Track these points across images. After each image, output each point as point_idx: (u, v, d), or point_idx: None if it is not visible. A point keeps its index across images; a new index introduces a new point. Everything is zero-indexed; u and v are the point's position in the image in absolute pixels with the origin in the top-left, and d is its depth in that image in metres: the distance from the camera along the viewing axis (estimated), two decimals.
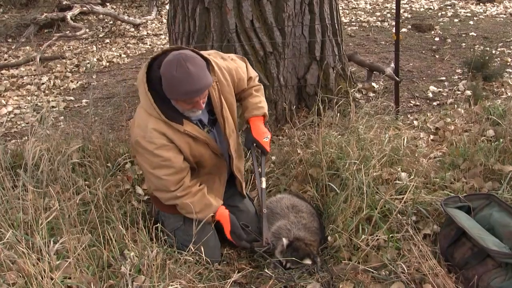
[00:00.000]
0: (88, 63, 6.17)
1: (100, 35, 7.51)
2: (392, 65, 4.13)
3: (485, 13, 7.18)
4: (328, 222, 2.52)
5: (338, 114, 3.26)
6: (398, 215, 2.34)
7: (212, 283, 2.12)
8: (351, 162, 2.59)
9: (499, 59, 5.17)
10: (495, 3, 7.62)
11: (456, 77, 4.82)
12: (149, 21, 7.98)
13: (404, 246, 2.20)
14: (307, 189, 2.79)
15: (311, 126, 3.44)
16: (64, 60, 6.32)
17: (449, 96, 4.33)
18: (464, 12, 7.25)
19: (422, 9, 7.64)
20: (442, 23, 6.72)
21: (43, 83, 5.54)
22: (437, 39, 6.07)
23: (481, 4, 7.64)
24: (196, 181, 2.33)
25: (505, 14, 7.05)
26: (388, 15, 7.40)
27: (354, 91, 3.26)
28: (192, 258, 2.17)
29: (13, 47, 7.02)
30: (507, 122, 3.05)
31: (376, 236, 2.24)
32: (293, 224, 2.42)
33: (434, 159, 2.93)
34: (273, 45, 3.62)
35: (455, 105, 3.88)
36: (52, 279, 1.84)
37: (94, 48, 6.86)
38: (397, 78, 3.91)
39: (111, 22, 7.99)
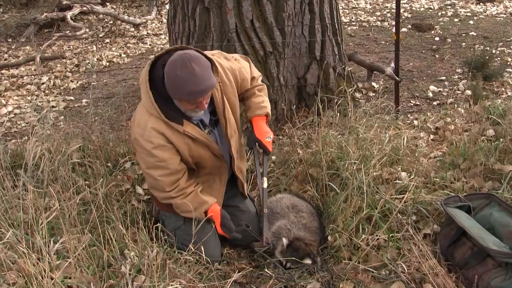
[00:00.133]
0: (88, 63, 6.17)
1: (100, 35, 7.51)
2: (392, 64, 4.12)
3: (485, 12, 7.18)
4: (328, 222, 2.52)
5: (338, 113, 3.26)
6: (398, 214, 2.34)
7: (212, 282, 2.12)
8: (351, 162, 2.59)
9: (499, 58, 5.17)
10: (495, 3, 7.61)
11: (456, 76, 4.82)
12: (149, 21, 7.98)
13: (404, 246, 2.20)
14: (307, 189, 2.79)
15: (311, 125, 3.44)
16: (64, 60, 6.32)
17: (449, 95, 4.33)
18: (464, 12, 7.25)
19: (422, 9, 7.64)
20: (442, 23, 6.72)
21: (43, 83, 5.54)
22: (437, 38, 6.06)
23: (481, 3, 7.64)
24: (193, 181, 2.33)
25: (505, 14, 7.04)
26: (388, 14, 7.40)
27: (351, 90, 3.25)
28: (192, 257, 2.16)
29: (13, 47, 7.02)
30: (507, 122, 3.05)
31: (376, 235, 2.24)
32: (293, 224, 2.42)
33: (434, 159, 2.93)
34: (273, 45, 3.62)
35: (455, 105, 3.88)
36: (52, 279, 1.84)
37: (94, 48, 6.86)
38: (397, 78, 3.91)
39: (111, 22, 7.99)
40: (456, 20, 6.84)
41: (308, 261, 2.23)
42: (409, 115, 3.92)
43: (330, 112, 3.34)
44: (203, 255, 2.16)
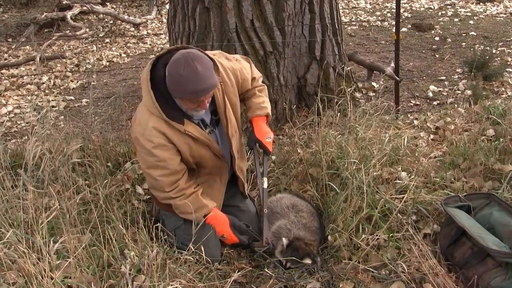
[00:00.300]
0: (88, 62, 6.17)
1: (100, 35, 7.51)
2: (392, 64, 4.12)
3: (485, 12, 7.18)
4: (328, 222, 2.52)
5: (338, 113, 3.26)
6: (398, 214, 2.34)
7: (212, 282, 2.12)
8: (351, 162, 2.59)
9: (499, 58, 5.16)
10: (495, 3, 7.61)
11: (456, 76, 4.82)
12: (149, 21, 7.98)
13: (404, 246, 2.20)
14: (307, 189, 2.79)
15: (311, 125, 3.44)
16: (64, 60, 6.32)
17: (449, 95, 4.33)
18: (464, 12, 7.25)
19: (422, 9, 7.64)
20: (442, 23, 6.72)
21: (43, 83, 5.54)
22: (437, 38, 6.06)
23: (481, 3, 7.64)
24: (193, 182, 2.33)
25: (505, 14, 7.04)
26: (388, 14, 7.40)
27: (350, 90, 3.25)
28: (192, 257, 2.16)
29: (13, 47, 7.02)
30: (507, 122, 3.05)
31: (376, 235, 2.24)
32: (293, 223, 2.41)
33: (434, 159, 2.93)
34: (273, 45, 3.62)
35: (455, 105, 3.88)
36: (52, 278, 1.84)
37: (94, 48, 6.86)
38: (397, 78, 3.91)
39: (111, 21, 7.99)
40: (456, 20, 6.84)
41: (308, 261, 2.23)
42: (409, 115, 3.92)
43: (330, 112, 3.34)
44: (203, 254, 2.16)
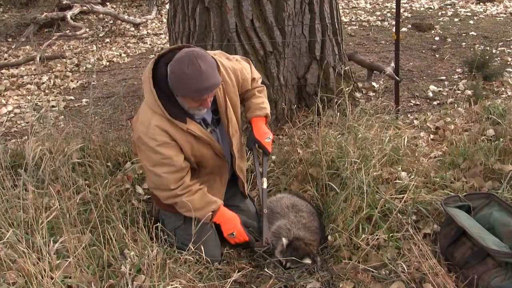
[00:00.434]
0: (88, 62, 6.17)
1: (100, 35, 7.51)
2: (392, 64, 4.12)
3: (485, 12, 7.18)
4: (328, 222, 2.52)
5: (338, 113, 3.26)
6: (398, 214, 2.34)
7: (212, 282, 2.12)
8: (351, 162, 2.59)
9: (499, 58, 5.17)
10: (495, 3, 7.61)
11: (456, 76, 4.82)
12: (149, 21, 7.98)
13: (404, 246, 2.20)
14: (307, 189, 2.79)
15: (311, 125, 3.44)
16: (64, 60, 6.32)
17: (449, 95, 4.33)
18: (464, 12, 7.25)
19: (422, 9, 7.64)
20: (442, 23, 6.71)
21: (43, 83, 5.54)
22: (437, 38, 6.06)
23: (481, 3, 7.64)
24: (197, 181, 2.33)
25: (505, 14, 7.04)
26: (388, 14, 7.40)
27: (349, 89, 3.25)
28: (192, 257, 2.16)
29: (13, 47, 7.01)
30: (507, 122, 3.05)
31: (376, 235, 2.24)
32: (293, 223, 2.41)
33: (434, 159, 2.93)
34: (273, 45, 3.62)
35: (455, 105, 3.88)
36: (52, 278, 1.84)
37: (94, 48, 6.86)
38: (397, 78, 3.91)
39: (111, 21, 7.99)
40: (456, 20, 6.84)
41: (308, 261, 2.23)
42: (409, 115, 3.92)
43: (330, 112, 3.34)
44: (203, 254, 2.16)
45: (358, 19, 7.32)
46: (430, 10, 7.53)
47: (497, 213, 2.18)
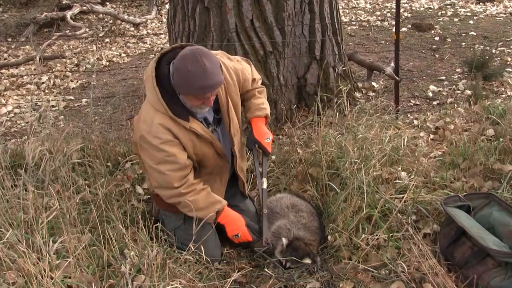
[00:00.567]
0: (88, 62, 6.17)
1: (100, 35, 7.51)
2: (392, 64, 4.12)
3: (485, 12, 7.18)
4: (328, 222, 2.52)
5: (338, 113, 3.26)
6: (398, 214, 2.34)
7: (212, 282, 2.12)
8: (351, 162, 2.60)
9: (499, 58, 5.17)
10: (495, 3, 7.62)
11: (456, 76, 4.82)
12: (149, 21, 7.98)
13: (404, 246, 2.20)
14: (307, 189, 2.79)
15: (311, 125, 3.44)
16: (64, 60, 6.32)
17: (449, 95, 4.33)
18: (464, 12, 7.25)
19: (422, 9, 7.64)
20: (442, 23, 6.72)
21: (43, 83, 5.54)
22: (437, 38, 6.06)
23: (481, 3, 7.64)
24: (199, 180, 2.33)
25: (505, 14, 7.05)
26: (388, 14, 7.40)
27: (346, 89, 3.25)
28: (192, 257, 2.16)
29: (13, 47, 7.01)
30: (507, 122, 3.05)
31: (376, 235, 2.24)
32: (293, 223, 2.42)
33: (434, 159, 2.93)
34: (273, 45, 3.62)
35: (455, 105, 3.88)
36: (52, 278, 1.84)
37: (94, 48, 6.86)
38: (397, 78, 3.91)
39: (111, 21, 7.98)
40: (456, 20, 6.84)
41: (307, 261, 2.23)
42: (409, 115, 3.92)
43: (330, 112, 3.34)
44: (203, 254, 2.16)
45: (358, 19, 7.32)
46: (430, 10, 7.54)
47: (497, 213, 2.18)
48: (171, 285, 1.91)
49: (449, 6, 7.63)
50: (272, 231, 2.42)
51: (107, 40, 7.19)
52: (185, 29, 3.72)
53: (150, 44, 6.94)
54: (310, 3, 3.69)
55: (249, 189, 2.88)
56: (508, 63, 5.08)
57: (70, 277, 1.94)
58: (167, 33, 4.35)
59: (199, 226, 2.13)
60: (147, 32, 7.49)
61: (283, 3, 3.55)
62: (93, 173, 2.84)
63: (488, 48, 5.46)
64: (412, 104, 4.31)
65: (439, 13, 7.27)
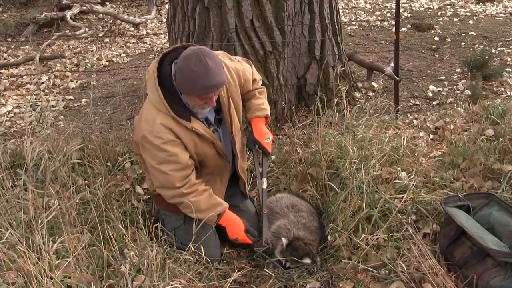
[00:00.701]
0: (88, 62, 6.17)
1: (100, 34, 7.50)
2: (392, 64, 4.12)
3: (484, 12, 7.18)
4: (328, 221, 2.52)
5: (338, 113, 3.26)
6: (398, 214, 2.34)
7: (212, 282, 2.12)
8: (351, 162, 2.60)
9: (498, 58, 5.17)
10: (494, 3, 7.62)
11: (456, 76, 4.82)
12: (148, 21, 7.97)
13: (404, 245, 2.20)
14: (307, 189, 2.79)
15: (310, 125, 3.44)
16: (63, 60, 6.32)
17: (449, 95, 4.33)
18: (464, 12, 7.26)
19: (421, 9, 7.64)
20: (441, 23, 6.72)
21: (42, 83, 5.54)
22: (436, 38, 6.06)
23: (480, 3, 7.64)
24: (201, 181, 2.33)
25: (504, 14, 7.05)
26: (388, 14, 7.40)
27: (345, 88, 3.25)
28: (192, 257, 2.16)
29: (12, 46, 7.01)
30: (507, 122, 3.05)
31: (376, 235, 2.24)
32: (293, 223, 2.42)
33: (434, 159, 2.93)
34: (273, 45, 3.62)
35: (455, 105, 3.88)
36: (51, 278, 1.84)
37: (94, 48, 6.86)
38: (396, 78, 3.91)
39: (111, 21, 7.98)
40: (455, 20, 6.84)
41: (307, 261, 2.23)
42: (408, 115, 3.93)
43: (330, 112, 3.34)
44: (203, 254, 2.16)
45: (358, 19, 7.32)
46: (429, 10, 7.54)
47: (497, 213, 2.18)
48: (171, 285, 1.91)
49: (449, 6, 7.63)
50: (272, 231, 2.42)
51: (107, 40, 7.19)
52: (185, 29, 3.72)
53: (150, 44, 6.94)
54: (310, 3, 3.69)
55: (249, 189, 2.88)
56: (508, 63, 5.08)
57: (69, 277, 1.94)
58: (167, 33, 4.35)
59: (199, 226, 2.13)
60: (147, 32, 7.48)
61: (283, 3, 3.55)
62: (93, 173, 2.84)
63: (487, 48, 5.46)
64: (411, 104, 4.31)
65: (439, 13, 7.27)
